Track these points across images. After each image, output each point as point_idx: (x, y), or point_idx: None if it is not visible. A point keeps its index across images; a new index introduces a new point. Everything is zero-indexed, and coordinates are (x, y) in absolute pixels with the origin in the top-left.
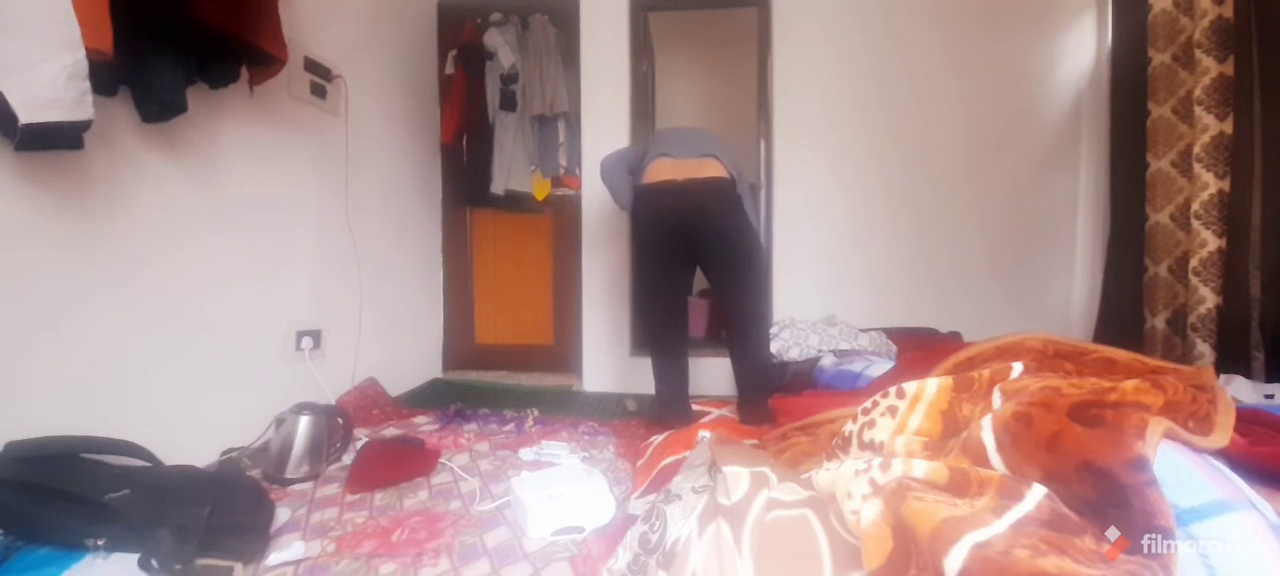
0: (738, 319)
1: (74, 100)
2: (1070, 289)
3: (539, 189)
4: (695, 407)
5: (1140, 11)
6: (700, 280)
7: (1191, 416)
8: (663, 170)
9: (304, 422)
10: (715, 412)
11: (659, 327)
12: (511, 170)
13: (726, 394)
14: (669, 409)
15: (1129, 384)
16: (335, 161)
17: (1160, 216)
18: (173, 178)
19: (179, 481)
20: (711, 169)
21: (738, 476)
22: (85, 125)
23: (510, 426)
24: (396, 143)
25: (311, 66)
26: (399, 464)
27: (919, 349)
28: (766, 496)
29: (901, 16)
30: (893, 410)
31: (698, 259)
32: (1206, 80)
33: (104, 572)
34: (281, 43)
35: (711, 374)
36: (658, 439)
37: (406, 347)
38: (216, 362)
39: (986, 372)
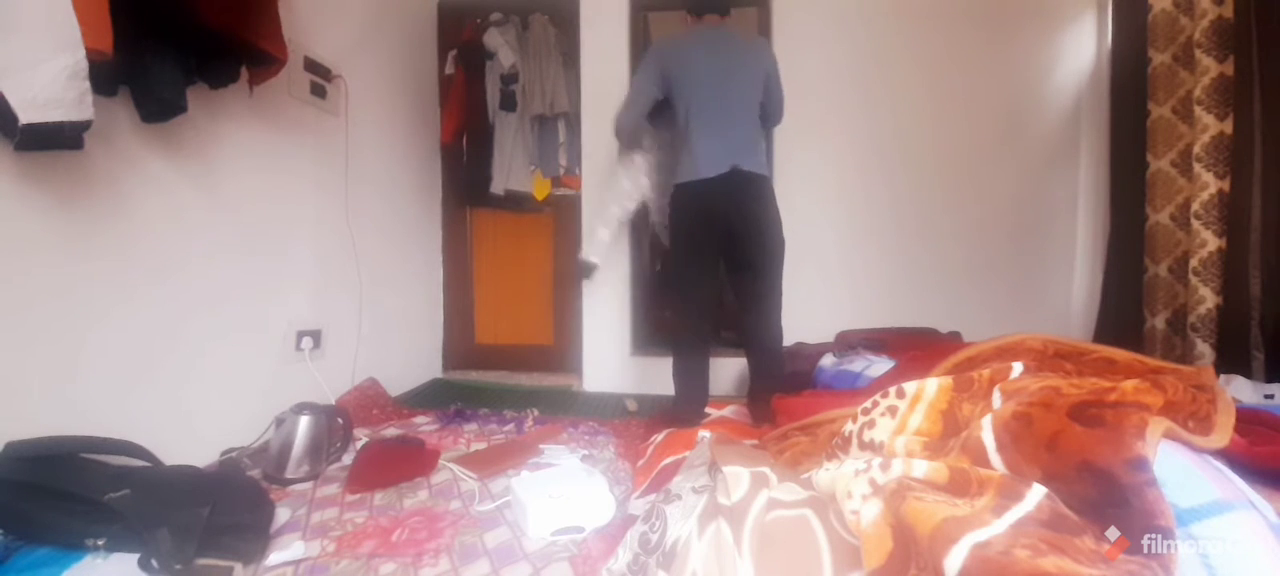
0: (765, 309)
1: (74, 100)
2: (1070, 289)
3: (539, 189)
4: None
5: (1140, 11)
6: None
7: (1191, 416)
8: None
9: (304, 423)
10: (714, 414)
11: (694, 325)
12: (511, 170)
13: (726, 393)
14: (690, 408)
15: (1129, 384)
16: (335, 161)
17: (1160, 216)
18: (173, 178)
19: (179, 481)
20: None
21: (738, 476)
22: (85, 125)
23: (510, 426)
24: (396, 143)
25: (311, 66)
26: (399, 464)
27: (919, 349)
28: (766, 496)
29: (901, 17)
30: (893, 410)
31: (728, 250)
32: (1206, 80)
33: (104, 572)
34: (281, 43)
35: (714, 374)
36: (658, 438)
37: (406, 347)
38: (216, 362)
39: (986, 372)
